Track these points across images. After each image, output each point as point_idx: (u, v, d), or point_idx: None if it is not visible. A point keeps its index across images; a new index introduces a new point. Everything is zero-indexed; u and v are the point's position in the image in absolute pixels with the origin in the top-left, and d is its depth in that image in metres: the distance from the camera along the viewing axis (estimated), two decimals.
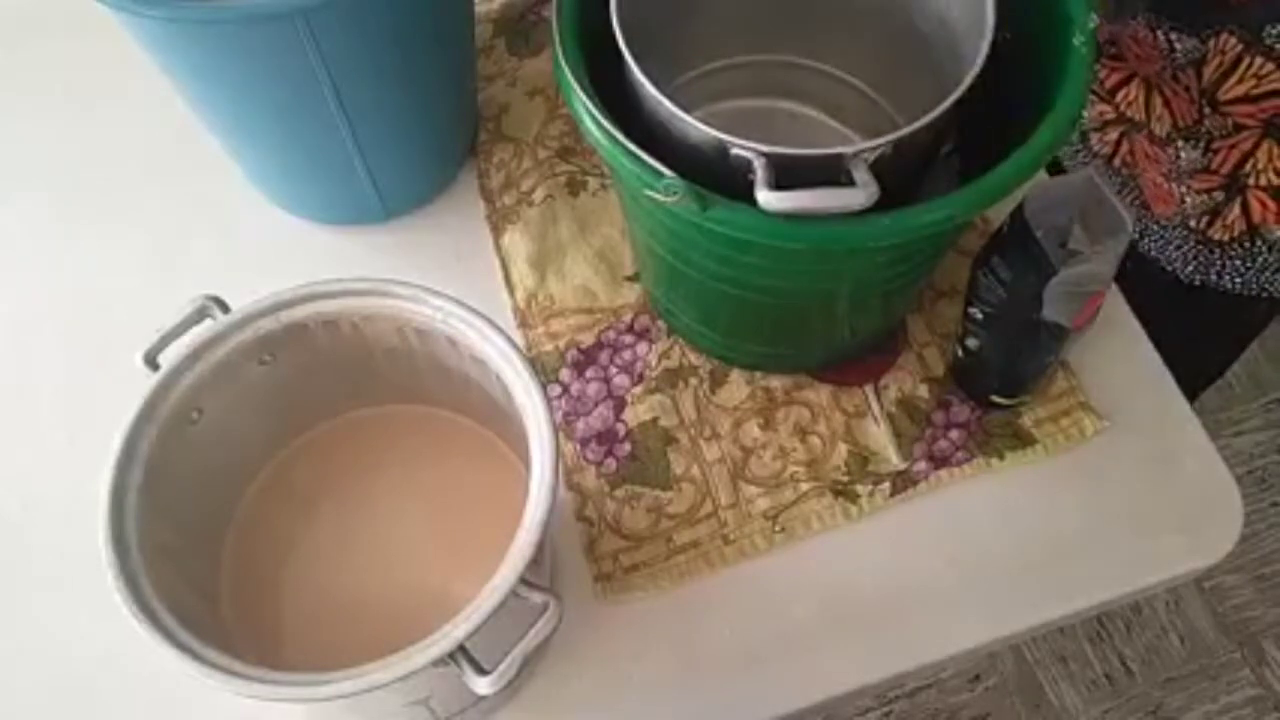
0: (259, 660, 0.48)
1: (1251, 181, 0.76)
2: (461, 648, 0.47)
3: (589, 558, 0.68)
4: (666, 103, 0.55)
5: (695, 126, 0.54)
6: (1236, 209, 0.79)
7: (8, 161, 0.86)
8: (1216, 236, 0.82)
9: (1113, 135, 0.83)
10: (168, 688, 0.62)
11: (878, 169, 0.53)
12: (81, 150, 0.85)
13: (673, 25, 0.66)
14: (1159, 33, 0.72)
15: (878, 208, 0.52)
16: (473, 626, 0.47)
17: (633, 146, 0.54)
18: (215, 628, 0.57)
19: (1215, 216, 0.80)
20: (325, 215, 0.81)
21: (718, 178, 0.53)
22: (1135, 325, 0.76)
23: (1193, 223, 0.82)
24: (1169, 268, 0.86)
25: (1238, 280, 0.83)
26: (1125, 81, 0.79)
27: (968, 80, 0.54)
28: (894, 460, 0.70)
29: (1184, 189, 0.79)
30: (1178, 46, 0.72)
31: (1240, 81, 0.71)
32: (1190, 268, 0.85)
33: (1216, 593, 1.49)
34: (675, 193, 0.52)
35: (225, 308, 0.56)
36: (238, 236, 0.80)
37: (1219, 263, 0.83)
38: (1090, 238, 0.60)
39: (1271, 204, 0.77)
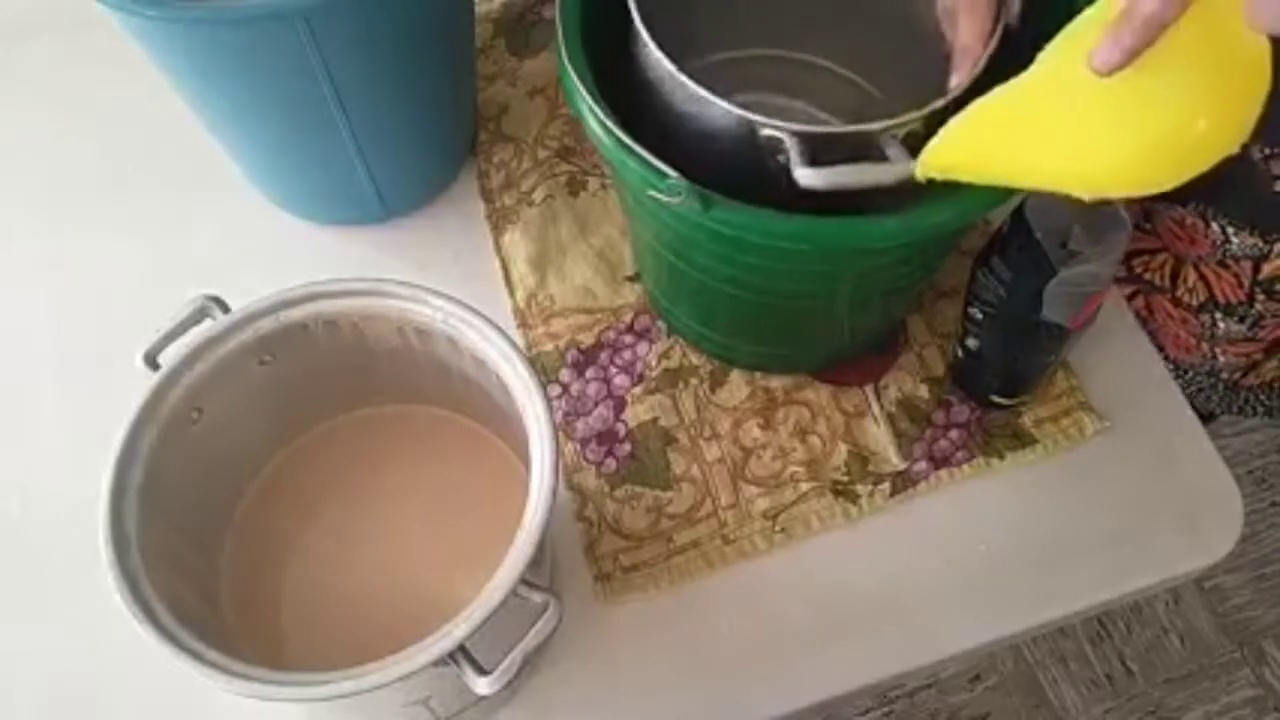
0: (259, 660, 0.48)
1: None
2: (461, 648, 0.47)
3: (589, 558, 0.68)
4: (690, 84, 0.54)
5: (723, 108, 0.54)
6: (1274, 363, 0.77)
7: (7, 161, 0.86)
8: (1247, 384, 0.80)
9: (1124, 290, 0.80)
10: (167, 688, 0.62)
11: (909, 146, 0.53)
12: (81, 150, 0.85)
13: (665, 22, 0.66)
14: (1214, 224, 0.70)
15: (894, 195, 0.52)
16: (473, 626, 0.47)
17: (636, 146, 0.54)
18: (215, 628, 0.57)
19: (1249, 370, 0.78)
20: (325, 215, 0.81)
21: (735, 166, 0.53)
22: (1135, 325, 0.76)
23: (1224, 375, 0.80)
24: (1190, 404, 0.84)
25: (1260, 408, 0.82)
26: (1148, 251, 0.77)
27: (989, 49, 0.54)
28: (894, 460, 0.70)
29: (1218, 350, 0.77)
30: (1234, 240, 0.70)
31: None
32: (1213, 405, 0.83)
33: (1216, 593, 1.49)
34: (678, 193, 0.52)
35: (225, 308, 0.56)
36: (238, 236, 0.80)
37: (1244, 398, 0.81)
38: (1090, 238, 0.60)
39: None
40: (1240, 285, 0.72)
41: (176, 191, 0.83)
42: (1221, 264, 0.72)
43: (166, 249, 0.80)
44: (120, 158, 0.84)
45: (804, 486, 0.70)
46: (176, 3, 0.58)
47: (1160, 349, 0.82)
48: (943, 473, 0.70)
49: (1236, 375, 0.80)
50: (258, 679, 0.47)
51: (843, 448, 0.71)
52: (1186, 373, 0.82)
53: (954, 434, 0.71)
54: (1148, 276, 0.78)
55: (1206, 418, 0.82)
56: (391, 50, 0.67)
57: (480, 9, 0.87)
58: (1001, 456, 0.71)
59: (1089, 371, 0.73)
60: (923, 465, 0.70)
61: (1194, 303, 0.76)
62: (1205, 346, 0.78)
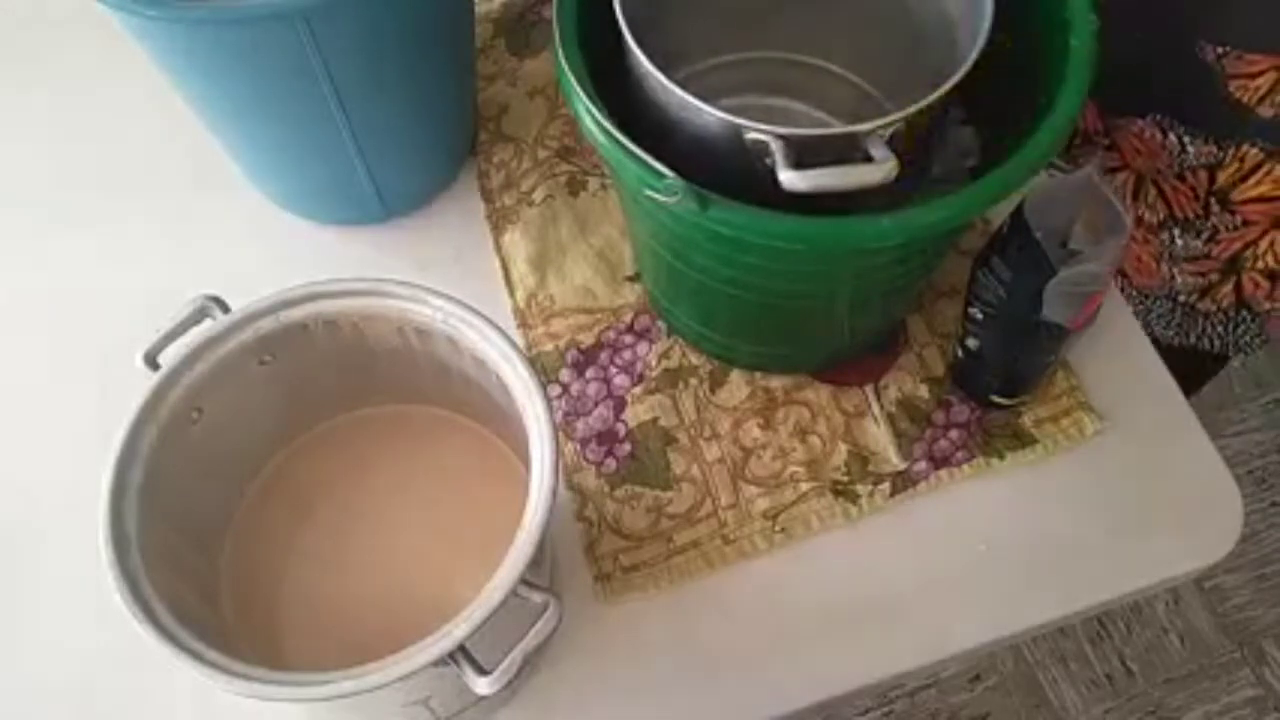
0: (259, 660, 0.48)
1: (1249, 265, 0.76)
2: (461, 648, 0.47)
3: (589, 558, 0.68)
4: (677, 91, 0.55)
5: (711, 114, 0.54)
6: (1229, 287, 0.78)
7: (7, 160, 0.86)
8: (1203, 309, 0.81)
9: None
10: (168, 688, 0.62)
11: (890, 145, 0.53)
12: (82, 150, 0.85)
13: (666, 23, 0.67)
14: (1171, 134, 0.71)
15: (888, 195, 0.52)
16: (473, 626, 0.47)
17: (633, 146, 0.54)
18: (215, 628, 0.57)
19: (1205, 293, 0.80)
20: (325, 215, 0.81)
21: (727, 169, 0.53)
22: (1135, 325, 0.76)
23: (1181, 297, 0.81)
24: (1148, 332, 0.86)
25: (1216, 341, 0.83)
26: (1111, 170, 0.78)
27: (975, 52, 0.55)
28: (894, 460, 0.70)
29: (1175, 270, 0.79)
30: (1190, 149, 0.71)
31: (1258, 185, 0.70)
32: (1170, 333, 0.84)
33: (1216, 593, 1.49)
34: (675, 193, 0.52)
35: (225, 308, 0.57)
36: (238, 236, 0.80)
37: (1200, 328, 0.83)
38: (1090, 238, 0.60)
39: (1264, 283, 0.77)
40: (1196, 198, 0.74)
41: (176, 191, 0.83)
42: (1179, 177, 0.74)
43: (166, 249, 0.80)
44: (120, 158, 0.84)
45: (804, 486, 0.70)
46: (177, 3, 0.58)
47: (1123, 274, 0.84)
48: (943, 473, 0.70)
49: (1193, 298, 0.82)
50: (258, 679, 0.47)
51: (843, 448, 0.71)
52: (1147, 298, 0.84)
53: (954, 434, 0.71)
54: None
55: (1165, 350, 0.85)
56: (392, 50, 0.67)
57: (480, 9, 0.87)
58: (1001, 456, 0.71)
59: (1089, 371, 0.73)
60: (923, 465, 0.70)
61: (1154, 220, 0.78)
62: (1164, 268, 0.80)
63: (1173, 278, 0.80)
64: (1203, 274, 0.78)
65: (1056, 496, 0.70)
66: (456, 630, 0.47)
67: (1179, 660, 1.45)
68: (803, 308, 0.67)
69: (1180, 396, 0.73)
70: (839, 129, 0.54)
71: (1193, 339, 0.85)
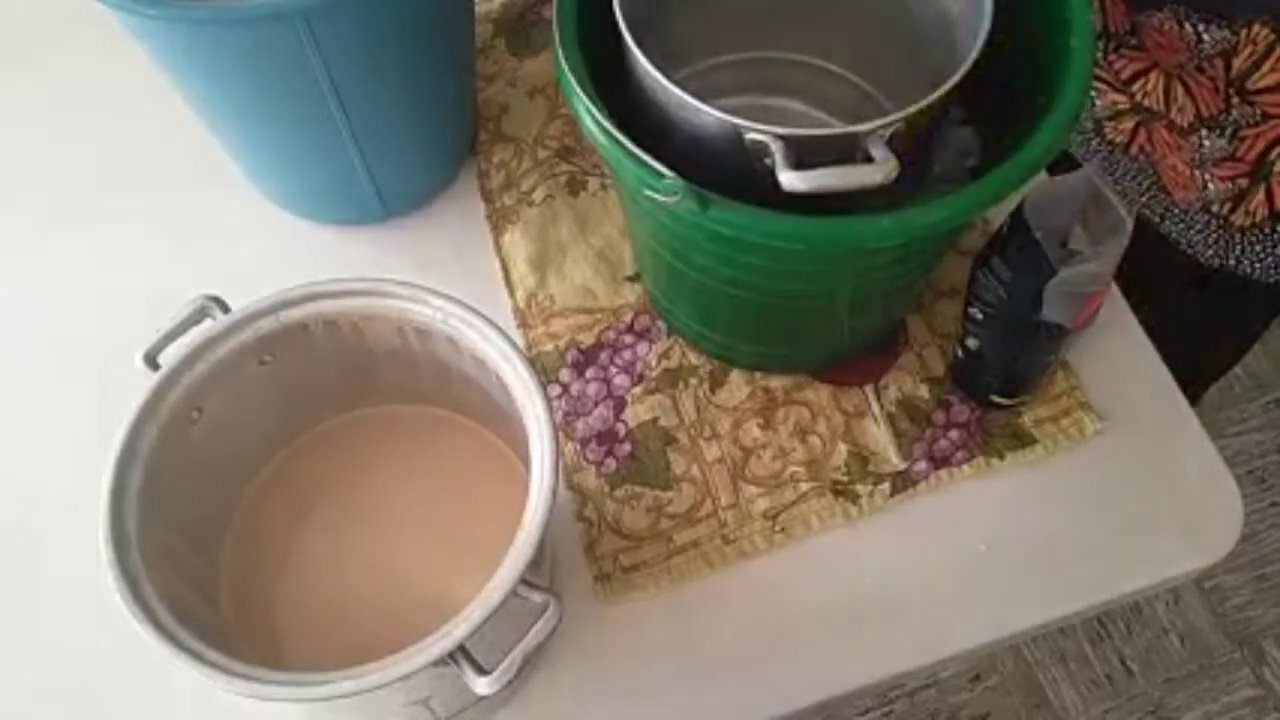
0: (259, 660, 0.48)
1: (1277, 168, 0.76)
2: (461, 648, 0.47)
3: (589, 558, 0.68)
4: (676, 90, 0.55)
5: (710, 114, 0.54)
6: (1260, 195, 0.79)
7: (8, 160, 0.86)
8: (1238, 222, 0.81)
9: (1128, 124, 0.83)
10: (168, 688, 0.62)
11: (890, 145, 0.53)
12: (82, 150, 0.85)
13: (666, 23, 0.67)
14: (1187, 24, 0.72)
15: (888, 195, 0.52)
16: (473, 626, 0.47)
17: (632, 146, 0.54)
18: (215, 628, 0.57)
19: (1238, 203, 0.80)
20: (325, 215, 0.81)
21: (727, 169, 0.53)
22: (1135, 325, 0.76)
23: (1215, 208, 0.82)
24: (1189, 251, 0.86)
25: (1256, 265, 0.83)
26: (1143, 72, 0.79)
27: (975, 52, 0.55)
28: (894, 460, 0.70)
29: (1207, 176, 0.79)
30: (1206, 38, 0.71)
31: (1272, 70, 0.71)
32: (1210, 252, 0.85)
33: (1216, 593, 1.49)
34: (675, 193, 0.52)
35: (225, 308, 0.57)
36: (238, 236, 0.80)
37: (1239, 247, 0.83)
38: (1090, 238, 0.60)
39: None
40: (1217, 90, 0.74)
41: (176, 191, 0.83)
42: (1199, 69, 0.74)
43: (166, 249, 0.80)
44: (120, 158, 0.84)
45: (804, 486, 0.70)
46: (177, 3, 0.58)
47: (1163, 190, 0.85)
48: (943, 473, 0.70)
49: (1226, 209, 0.82)
50: (258, 679, 0.47)
51: (843, 448, 0.71)
52: (1186, 213, 0.85)
53: (954, 434, 0.71)
54: (1147, 103, 0.80)
55: (1207, 278, 0.84)
56: (391, 50, 0.67)
57: (480, 9, 0.87)
58: (1001, 456, 0.71)
59: (1089, 371, 0.73)
60: (923, 465, 0.70)
61: (1184, 123, 0.78)
62: (1198, 175, 0.80)
63: (1205, 185, 0.80)
64: (1233, 179, 0.79)
65: (1056, 496, 0.70)
66: (456, 630, 0.47)
67: (1179, 660, 1.45)
68: (803, 308, 0.67)
69: (1180, 397, 0.73)
70: (839, 129, 0.54)
71: (1231, 260, 0.85)
